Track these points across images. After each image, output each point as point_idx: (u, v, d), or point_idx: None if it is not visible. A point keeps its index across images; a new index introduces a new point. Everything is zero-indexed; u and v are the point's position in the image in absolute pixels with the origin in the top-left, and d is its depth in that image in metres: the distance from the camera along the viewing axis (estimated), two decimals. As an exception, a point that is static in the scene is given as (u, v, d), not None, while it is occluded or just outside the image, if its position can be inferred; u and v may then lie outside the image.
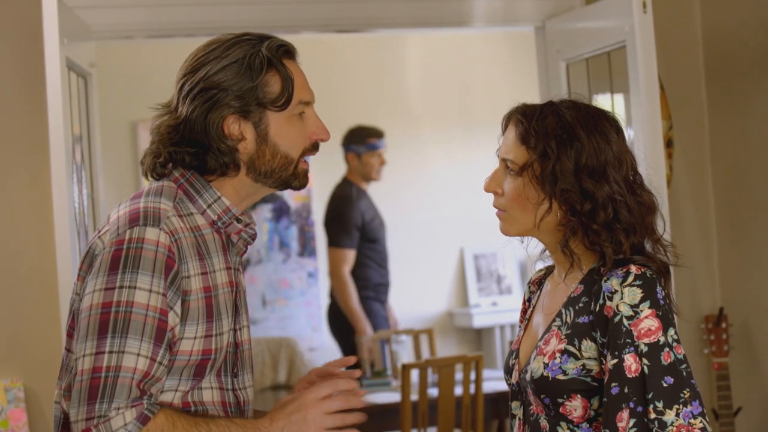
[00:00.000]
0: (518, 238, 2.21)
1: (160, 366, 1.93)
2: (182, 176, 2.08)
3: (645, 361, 1.98)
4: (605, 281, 2.05)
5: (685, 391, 1.97)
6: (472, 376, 4.77)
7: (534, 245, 2.24)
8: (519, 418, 2.22)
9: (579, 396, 2.06)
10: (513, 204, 2.15)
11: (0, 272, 3.99)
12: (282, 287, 7.12)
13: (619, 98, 4.31)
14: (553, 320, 2.13)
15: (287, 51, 2.11)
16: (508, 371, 2.24)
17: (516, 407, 2.22)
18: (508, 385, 2.25)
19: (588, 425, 2.07)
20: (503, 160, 2.17)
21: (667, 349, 1.99)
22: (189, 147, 2.06)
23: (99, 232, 2.04)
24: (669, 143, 4.44)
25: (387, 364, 5.76)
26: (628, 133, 4.02)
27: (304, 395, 2.03)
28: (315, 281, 7.15)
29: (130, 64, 6.67)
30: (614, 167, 2.11)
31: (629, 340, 1.99)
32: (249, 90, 2.05)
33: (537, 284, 2.33)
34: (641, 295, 2.01)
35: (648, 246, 2.13)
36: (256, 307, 7.00)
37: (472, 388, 4.78)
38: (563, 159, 2.09)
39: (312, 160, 2.28)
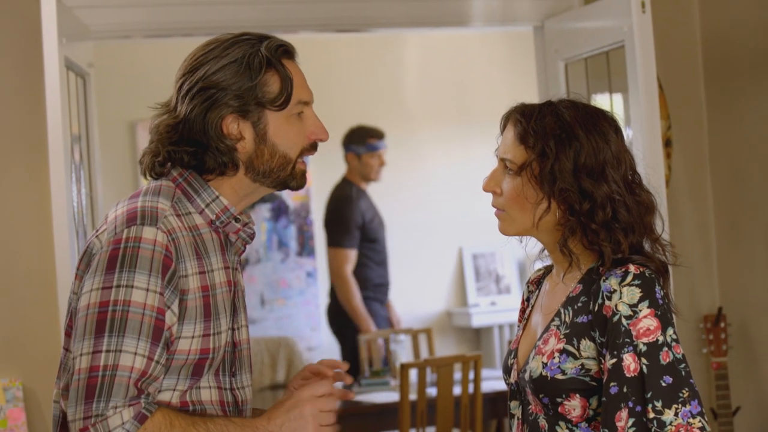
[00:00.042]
0: (517, 237, 2.21)
1: (158, 365, 1.93)
2: (180, 175, 2.08)
3: (644, 360, 1.98)
4: (604, 281, 2.05)
5: (683, 391, 1.97)
6: (471, 375, 4.77)
7: (533, 245, 2.24)
8: (518, 418, 2.22)
9: (578, 395, 2.06)
10: (512, 203, 2.15)
11: (-2, 272, 3.99)
12: (281, 287, 7.12)
13: (617, 98, 4.31)
14: (552, 320, 2.13)
15: (286, 51, 2.11)
16: (507, 371, 2.24)
17: (515, 407, 2.22)
18: (507, 384, 2.25)
19: (587, 425, 2.07)
20: (502, 160, 2.17)
21: (665, 348, 1.99)
22: (188, 146, 2.06)
23: (97, 231, 2.04)
24: (668, 143, 4.45)
25: (386, 364, 5.76)
26: (627, 133, 4.02)
27: (300, 392, 2.05)
28: (314, 281, 7.15)
29: (128, 64, 6.66)
30: (613, 167, 2.11)
31: (628, 340, 1.99)
32: (248, 89, 2.05)
33: (536, 284, 2.33)
34: (640, 294, 2.01)
35: (647, 245, 2.13)
36: (255, 306, 7.00)
37: (470, 388, 4.78)
38: (562, 158, 2.09)
39: (311, 160, 2.28)
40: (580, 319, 2.08)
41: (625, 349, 1.99)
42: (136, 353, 1.90)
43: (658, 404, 1.96)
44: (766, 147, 4.35)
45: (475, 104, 7.41)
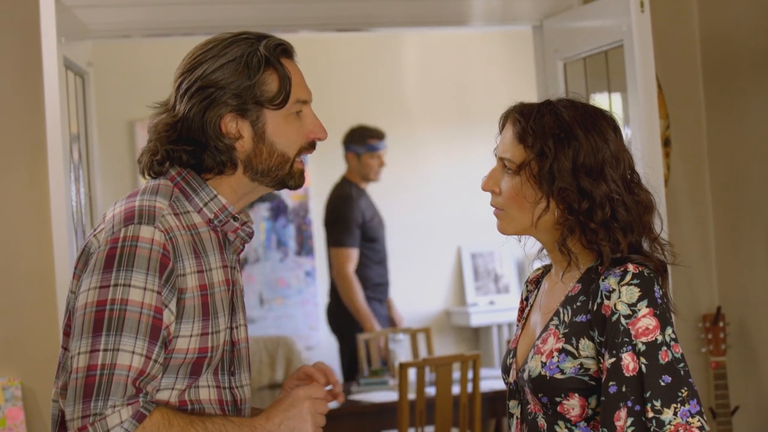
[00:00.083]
0: (516, 236, 2.21)
1: (156, 364, 1.93)
2: (179, 174, 2.08)
3: (643, 359, 1.98)
4: (603, 280, 2.05)
5: (682, 390, 1.97)
6: (470, 375, 4.77)
7: (531, 244, 2.24)
8: (517, 417, 2.22)
9: (577, 395, 2.06)
10: (510, 203, 2.15)
11: (-3, 271, 3.99)
12: (279, 286, 7.12)
13: (616, 97, 4.31)
14: (551, 319, 2.13)
15: (285, 50, 2.11)
16: (506, 370, 2.24)
17: (513, 406, 2.22)
18: (506, 384, 2.24)
19: (586, 424, 2.07)
20: (501, 159, 2.17)
21: (664, 347, 1.99)
22: (186, 145, 2.06)
23: (95, 230, 2.04)
24: (666, 142, 4.45)
25: (384, 363, 5.76)
26: (626, 132, 4.02)
27: (297, 392, 2.05)
28: (312, 280, 7.15)
29: (127, 63, 6.66)
30: (612, 166, 2.11)
31: (627, 339, 1.99)
32: (246, 88, 2.05)
33: (534, 283, 2.33)
34: (639, 293, 2.01)
35: (645, 245, 2.13)
36: (254, 305, 7.01)
37: (469, 387, 4.78)
38: (561, 158, 2.09)
39: (310, 159, 2.28)
40: (578, 319, 2.08)
41: (624, 349, 1.99)
42: (133, 352, 1.90)
43: (657, 403, 1.96)
44: (765, 147, 4.35)
45: (474, 103, 7.41)
